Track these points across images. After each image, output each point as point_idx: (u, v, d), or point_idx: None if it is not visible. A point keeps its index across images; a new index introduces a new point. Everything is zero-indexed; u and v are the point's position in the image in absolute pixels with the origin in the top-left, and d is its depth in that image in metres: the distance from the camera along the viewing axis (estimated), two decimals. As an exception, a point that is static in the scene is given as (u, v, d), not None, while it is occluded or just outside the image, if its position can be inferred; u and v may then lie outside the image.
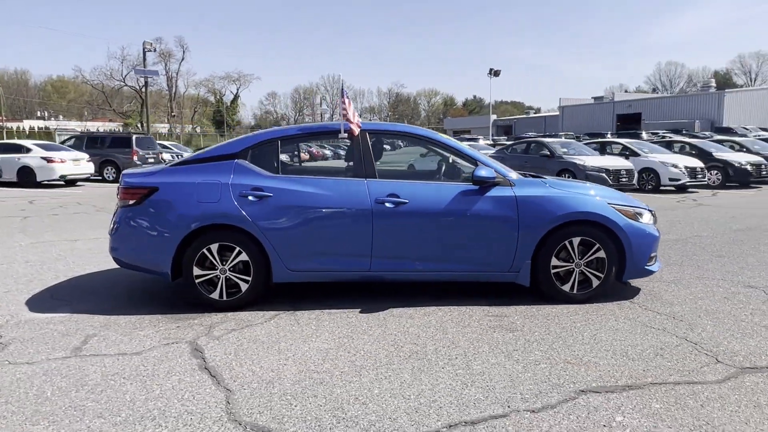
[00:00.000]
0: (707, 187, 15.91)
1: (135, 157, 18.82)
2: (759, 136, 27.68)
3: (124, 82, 59.93)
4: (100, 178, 19.18)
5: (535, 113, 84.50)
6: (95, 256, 6.42)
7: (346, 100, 4.57)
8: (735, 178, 16.06)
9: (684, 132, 37.66)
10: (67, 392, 3.02)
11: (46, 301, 4.70)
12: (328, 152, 46.16)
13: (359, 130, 4.58)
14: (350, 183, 4.44)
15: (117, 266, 4.81)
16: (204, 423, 2.70)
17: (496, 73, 41.80)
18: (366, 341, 3.75)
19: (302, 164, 4.90)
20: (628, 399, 2.90)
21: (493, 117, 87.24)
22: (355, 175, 4.49)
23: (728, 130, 40.15)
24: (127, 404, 2.88)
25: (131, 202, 4.42)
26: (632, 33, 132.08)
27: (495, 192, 4.44)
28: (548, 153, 14.64)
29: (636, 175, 14.50)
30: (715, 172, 16.17)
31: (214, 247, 4.34)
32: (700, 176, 14.95)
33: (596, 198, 4.55)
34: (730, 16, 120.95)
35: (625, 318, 4.17)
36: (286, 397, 2.95)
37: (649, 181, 15.08)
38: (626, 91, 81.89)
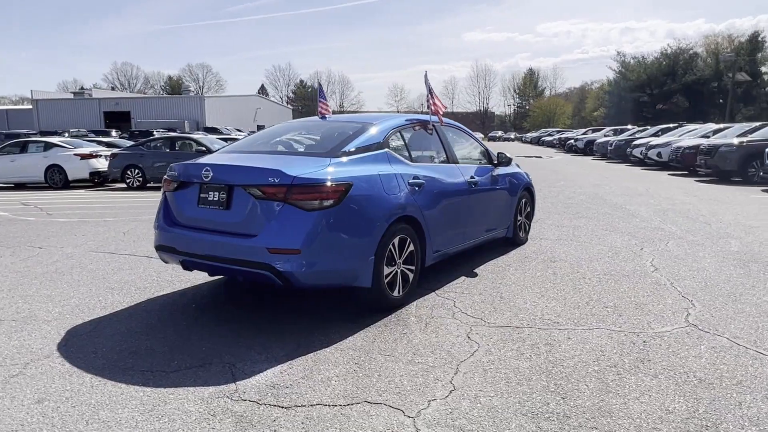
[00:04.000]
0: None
1: None
2: (235, 135, 33.88)
3: None
4: None
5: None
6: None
7: (434, 95, 4.98)
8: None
9: (177, 131, 41.77)
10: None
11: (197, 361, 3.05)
12: None
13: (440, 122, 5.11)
14: (452, 168, 4.98)
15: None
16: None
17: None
18: (538, 287, 4.72)
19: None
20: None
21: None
22: (449, 162, 5.05)
23: (215, 130, 46.66)
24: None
25: (329, 202, 3.54)
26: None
27: (499, 170, 5.94)
28: (204, 149, 14.67)
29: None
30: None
31: (396, 241, 4.08)
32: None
33: (525, 172, 6.73)
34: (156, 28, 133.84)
35: (582, 241, 6.57)
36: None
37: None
38: (83, 88, 79.26)
